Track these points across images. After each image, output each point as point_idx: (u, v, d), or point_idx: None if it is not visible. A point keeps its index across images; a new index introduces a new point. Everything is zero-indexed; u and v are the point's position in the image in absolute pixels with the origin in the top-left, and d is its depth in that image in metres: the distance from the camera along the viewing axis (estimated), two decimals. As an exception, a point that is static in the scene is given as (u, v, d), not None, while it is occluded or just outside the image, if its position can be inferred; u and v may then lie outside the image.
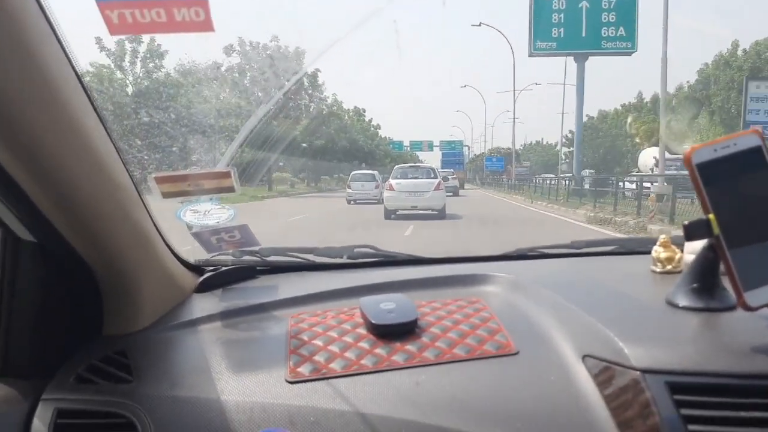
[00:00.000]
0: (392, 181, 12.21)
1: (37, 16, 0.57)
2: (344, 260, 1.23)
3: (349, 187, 18.09)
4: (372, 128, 43.87)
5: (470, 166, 59.61)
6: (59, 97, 0.61)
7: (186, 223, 0.87)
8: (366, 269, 1.19)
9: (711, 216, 0.65)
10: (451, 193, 20.46)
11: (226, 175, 0.85)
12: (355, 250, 1.25)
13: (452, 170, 39.78)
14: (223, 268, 1.08)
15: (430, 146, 60.72)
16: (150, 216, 0.83)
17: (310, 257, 1.22)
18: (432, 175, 12.45)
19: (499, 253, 1.26)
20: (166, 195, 0.82)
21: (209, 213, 0.93)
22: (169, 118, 15.33)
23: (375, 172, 18.24)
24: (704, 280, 0.74)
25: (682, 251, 0.96)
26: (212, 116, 15.21)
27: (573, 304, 0.79)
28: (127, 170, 0.75)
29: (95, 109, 0.67)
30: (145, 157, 13.56)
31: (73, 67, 0.63)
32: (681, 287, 0.76)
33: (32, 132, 0.59)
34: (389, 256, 1.25)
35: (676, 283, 0.77)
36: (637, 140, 20.37)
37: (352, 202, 17.24)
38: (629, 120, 22.52)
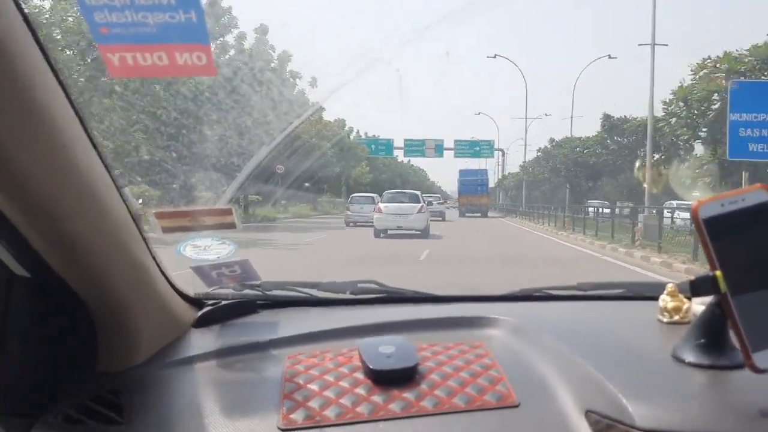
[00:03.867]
0: (381, 205, 15.53)
1: (34, 54, 0.60)
2: (347, 296, 1.25)
3: (348, 209, 20.67)
4: (348, 130, 40.65)
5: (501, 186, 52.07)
6: (55, 134, 0.64)
7: (186, 257, 0.91)
8: (369, 306, 1.22)
9: (718, 273, 0.66)
10: (440, 218, 25.06)
11: (228, 212, 0.89)
12: (359, 285, 1.27)
13: (439, 196, 41.47)
14: (223, 302, 1.10)
15: (439, 149, 49.92)
16: (149, 249, 0.87)
17: (313, 292, 1.24)
18: (416, 200, 15.66)
19: (504, 293, 1.29)
20: (166, 230, 0.86)
21: (209, 248, 0.96)
22: (170, 156, 15.49)
23: (375, 195, 20.31)
24: (712, 336, 0.75)
25: (690, 300, 1.00)
26: (215, 155, 15.47)
27: (577, 354, 0.82)
28: (125, 204, 0.79)
29: (93, 145, 0.71)
30: (146, 193, 13.84)
31: (70, 102, 0.66)
32: (688, 342, 0.77)
33: (25, 169, 0.61)
34: (393, 292, 1.28)
35: (683, 336, 0.79)
36: (645, 186, 20.10)
37: (351, 224, 19.46)
38: (637, 165, 22.74)
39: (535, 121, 65.40)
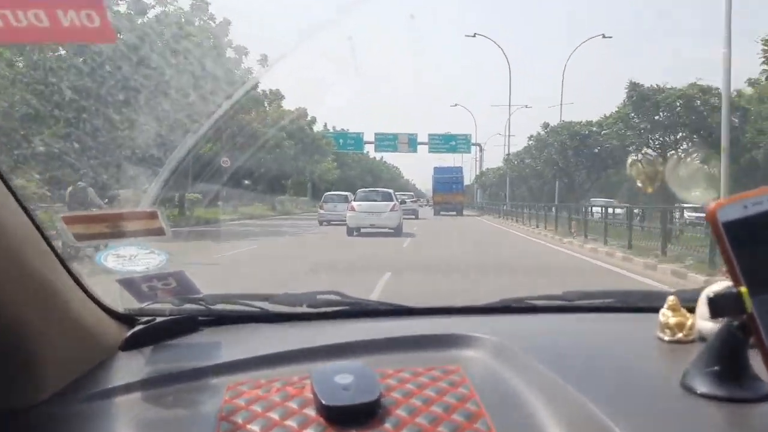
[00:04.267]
0: (354, 203, 16.30)
1: None
2: (304, 310, 1.15)
3: (322, 208, 21.23)
4: (308, 121, 37.39)
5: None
6: None
7: (108, 269, 0.85)
8: (330, 321, 1.13)
9: (743, 289, 0.59)
10: (413, 216, 25.45)
11: (153, 215, 0.82)
12: (318, 297, 1.18)
13: (412, 194, 41.52)
14: (159, 320, 1.00)
15: (413, 143, 48.54)
16: (60, 260, 0.78)
17: (265, 306, 1.14)
18: (389, 198, 16.49)
19: (482, 304, 1.22)
20: (80, 238, 0.79)
21: (136, 258, 0.88)
22: (72, 147, 13.47)
23: (348, 194, 21.13)
24: (729, 363, 0.67)
25: (693, 314, 0.94)
26: (129, 145, 13.68)
27: (568, 382, 0.75)
28: (25, 211, 0.70)
29: None
30: (47, 193, 11.95)
31: None
32: (700, 368, 0.70)
33: None
34: (358, 304, 1.19)
35: (693, 362, 0.72)
36: (639, 184, 17.51)
37: (324, 223, 20.18)
38: (629, 161, 19.19)
39: (518, 113, 63.06)
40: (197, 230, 14.88)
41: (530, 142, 31.00)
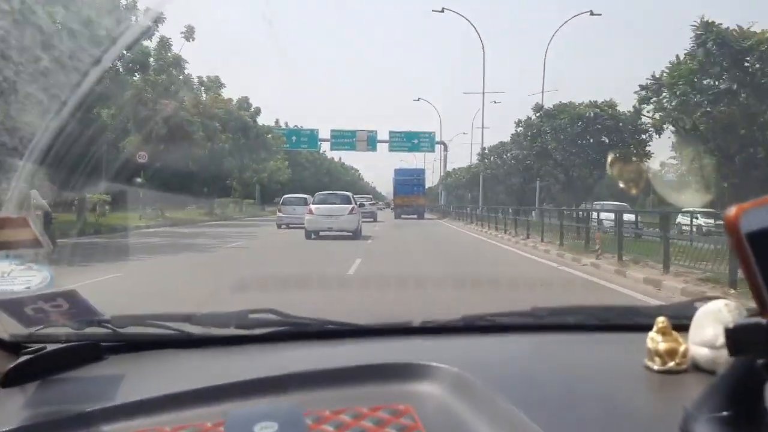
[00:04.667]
0: (312, 206, 17.48)
1: None
2: (232, 332, 1.09)
3: (280, 211, 22.82)
4: (246, 110, 35.66)
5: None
6: None
7: None
8: (263, 345, 1.08)
9: None
10: (371, 219, 27.20)
11: (21, 223, 0.76)
12: (251, 316, 1.11)
13: (370, 197, 43.35)
14: (50, 347, 0.94)
15: (372, 141, 48.82)
16: None
17: (186, 327, 1.08)
18: (347, 201, 17.78)
19: (442, 322, 1.17)
20: None
21: (11, 276, 0.84)
22: None
23: (307, 197, 22.23)
24: (746, 409, 0.59)
25: (686, 341, 0.89)
26: None
27: (540, 423, 0.70)
28: None
29: None
30: None
31: None
32: (705, 411, 0.60)
33: None
34: (298, 324, 1.13)
35: (696, 402, 0.62)
36: (621, 185, 17.27)
37: (283, 227, 21.69)
38: (609, 159, 17.78)
39: (488, 111, 61.89)
40: (85, 242, 13.27)
41: (518, 129, 23.84)
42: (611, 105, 18.94)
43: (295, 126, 51.62)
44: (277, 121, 54.90)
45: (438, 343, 1.09)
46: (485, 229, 22.33)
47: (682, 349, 0.86)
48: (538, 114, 21.42)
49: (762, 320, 0.52)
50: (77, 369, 0.93)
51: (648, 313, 1.02)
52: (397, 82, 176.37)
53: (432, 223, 31.66)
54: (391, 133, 49.05)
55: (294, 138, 47.73)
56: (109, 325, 1.03)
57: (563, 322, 1.20)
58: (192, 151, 24.88)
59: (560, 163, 20.75)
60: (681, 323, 0.90)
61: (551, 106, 21.14)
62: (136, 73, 19.35)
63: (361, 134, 48.15)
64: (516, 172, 30.12)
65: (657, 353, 0.86)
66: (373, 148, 48.80)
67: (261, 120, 38.79)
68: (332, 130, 48.52)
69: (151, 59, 20.53)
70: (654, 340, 0.88)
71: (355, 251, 12.21)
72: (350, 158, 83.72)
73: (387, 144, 48.73)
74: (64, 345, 0.95)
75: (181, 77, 23.12)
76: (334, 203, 17.59)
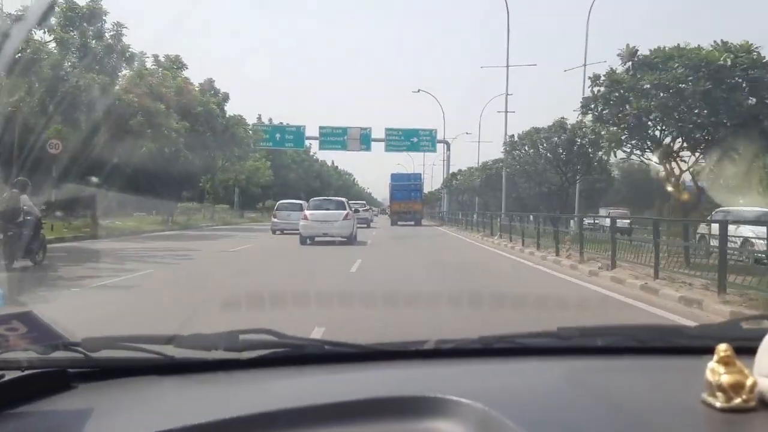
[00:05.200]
0: (307, 212, 19.94)
1: None
2: (222, 356, 1.08)
3: (275, 217, 26.52)
4: (213, 97, 33.23)
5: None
6: None
7: None
8: (256, 372, 1.06)
9: None
10: (365, 225, 29.85)
11: None
12: (242, 338, 1.10)
13: (364, 203, 46.60)
14: (7, 377, 0.92)
15: (366, 139, 49.07)
16: None
17: (168, 351, 1.06)
18: (342, 207, 20.22)
19: (457, 343, 1.15)
20: None
21: None
22: None
23: (303, 202, 25.93)
24: None
25: (751, 372, 0.87)
26: None
27: None
28: None
29: None
30: None
31: None
32: None
33: None
34: (294, 345, 1.12)
35: None
36: (669, 189, 14.30)
37: (278, 232, 25.30)
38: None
39: (491, 114, 61.71)
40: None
41: (596, 90, 14.23)
42: (747, 49, 12.49)
43: (281, 123, 51.47)
44: (259, 117, 54.63)
45: (455, 369, 1.07)
46: (512, 245, 19.24)
47: (749, 383, 0.83)
48: (627, 65, 13.57)
49: None
50: (41, 400, 0.90)
51: (690, 334, 1.00)
52: (395, 73, 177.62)
53: (433, 231, 31.58)
54: (387, 130, 49.08)
55: (278, 135, 47.67)
56: (79, 349, 1.00)
57: (593, 344, 1.18)
58: (134, 143, 23.00)
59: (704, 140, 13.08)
60: (748, 352, 0.88)
61: (646, 53, 13.50)
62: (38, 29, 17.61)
63: (353, 131, 48.03)
64: (555, 166, 23.57)
65: (720, 387, 0.83)
66: (367, 147, 48.62)
67: (252, 118, 39.93)
68: (321, 127, 48.49)
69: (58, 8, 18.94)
70: (715, 371, 0.85)
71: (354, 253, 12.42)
72: (343, 159, 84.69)
73: (383, 143, 48.67)
74: (25, 373, 0.93)
75: (112, 42, 20.67)
76: (329, 209, 20.01)
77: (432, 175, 73.70)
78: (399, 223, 40.13)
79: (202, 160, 31.49)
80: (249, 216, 50.66)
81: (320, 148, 51.55)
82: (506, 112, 31.32)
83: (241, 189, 48.66)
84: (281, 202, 27.96)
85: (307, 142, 51.17)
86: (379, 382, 0.93)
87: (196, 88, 31.04)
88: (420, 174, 50.89)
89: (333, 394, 0.88)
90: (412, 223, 40.50)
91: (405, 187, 43.10)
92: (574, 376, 1.05)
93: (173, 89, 26.59)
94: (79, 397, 0.93)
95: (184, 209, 35.69)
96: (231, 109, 35.63)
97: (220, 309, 6.16)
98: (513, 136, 27.96)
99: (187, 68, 30.93)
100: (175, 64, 30.16)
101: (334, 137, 48.38)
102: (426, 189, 56.73)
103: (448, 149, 54.56)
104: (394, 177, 45.66)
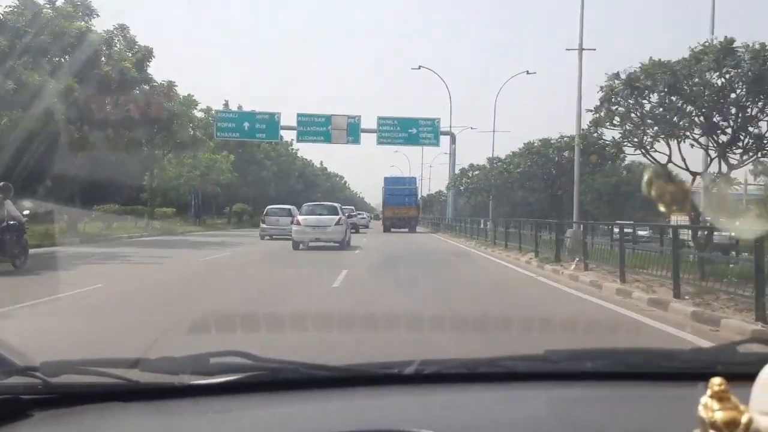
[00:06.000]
0: (299, 217, 24.09)
1: None
2: (190, 380, 1.14)
3: (264, 222, 32.03)
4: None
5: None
6: None
7: None
8: (226, 397, 1.12)
9: None
10: (353, 230, 32.44)
11: None
12: (213, 361, 1.18)
13: (352, 208, 52.24)
14: None
15: (354, 130, 48.63)
16: None
17: (133, 375, 1.12)
18: (335, 212, 24.41)
19: (439, 366, 1.24)
20: None
21: None
22: None
23: (292, 207, 32.37)
24: None
25: (746, 406, 0.94)
26: None
27: None
28: None
29: None
30: None
31: None
32: None
33: None
34: (268, 369, 1.20)
35: None
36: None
37: (267, 238, 30.71)
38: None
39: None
40: None
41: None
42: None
43: (253, 110, 49.56)
44: (226, 104, 53.60)
45: (437, 398, 1.14)
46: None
47: (744, 419, 0.90)
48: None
49: None
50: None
51: (683, 359, 1.10)
52: (391, 52, 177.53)
53: (433, 240, 32.15)
54: (380, 119, 48.69)
55: (246, 124, 46.81)
56: (37, 374, 1.06)
57: (583, 368, 1.28)
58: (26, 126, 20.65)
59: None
60: (723, 372, 0.95)
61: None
62: None
63: (338, 120, 47.55)
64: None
65: (714, 425, 0.90)
66: (356, 140, 48.28)
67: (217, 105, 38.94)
68: (300, 115, 47.87)
69: None
70: (709, 406, 0.92)
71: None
72: (333, 160, 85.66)
73: (375, 135, 48.24)
74: None
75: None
76: (322, 214, 24.11)
77: (429, 178, 76.22)
78: (392, 230, 45.27)
79: (128, 148, 28.98)
80: (214, 222, 50.28)
81: (299, 140, 50.80)
82: (494, 131, 34.39)
83: (196, 196, 47.97)
84: (269, 207, 33.41)
85: (286, 136, 51.64)
86: (356, 412, 0.99)
87: (102, 34, 26.65)
88: (415, 178, 56.25)
89: (306, 427, 0.94)
90: (406, 230, 45.56)
91: (399, 192, 48.64)
92: (560, 407, 1.14)
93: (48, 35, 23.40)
94: (35, 426, 0.97)
95: (106, 215, 33.05)
96: (185, 90, 34.23)
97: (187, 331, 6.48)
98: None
99: (97, 16, 27.02)
100: (78, 10, 26.04)
101: (315, 126, 47.86)
102: (427, 190, 59.00)
103: (454, 142, 53.81)
104: (388, 181, 51.13)
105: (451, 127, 52.33)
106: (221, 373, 1.15)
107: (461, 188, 50.38)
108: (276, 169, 59.76)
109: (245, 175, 51.89)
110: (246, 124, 46.86)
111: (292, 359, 1.24)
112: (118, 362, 1.15)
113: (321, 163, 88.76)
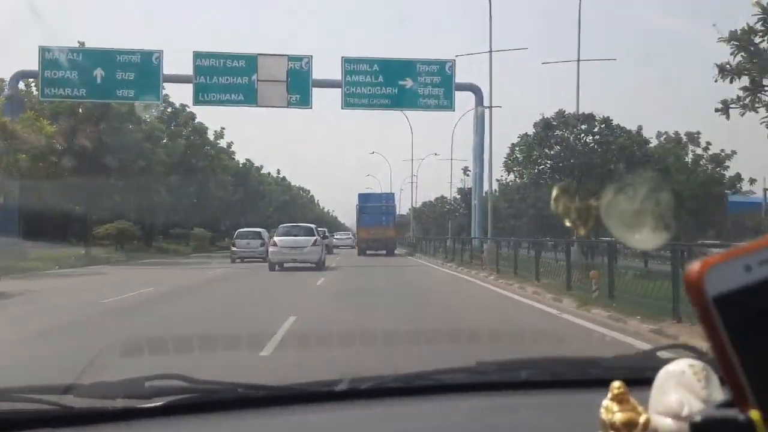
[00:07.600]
0: (276, 239, 37.88)
1: None
2: (125, 404, 1.45)
3: (234, 245, 48.09)
4: None
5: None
6: None
7: None
8: (162, 420, 1.43)
9: (754, 415, 0.71)
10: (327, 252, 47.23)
11: None
12: (149, 384, 1.51)
13: (325, 230, 61.94)
14: None
15: (301, 82, 39.35)
16: None
17: (67, 401, 1.42)
18: (310, 233, 37.96)
19: (372, 381, 1.62)
20: None
21: None
22: None
23: (262, 230, 50.50)
24: None
25: (646, 409, 1.28)
26: None
27: None
28: None
29: None
30: None
31: None
32: None
33: None
34: (204, 390, 1.52)
35: None
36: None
37: (238, 260, 46.23)
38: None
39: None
40: None
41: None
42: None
43: (112, 49, 40.40)
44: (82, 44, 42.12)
45: (369, 413, 1.54)
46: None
47: (642, 420, 1.26)
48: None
49: (737, 414, 0.69)
50: None
51: (605, 365, 1.49)
52: None
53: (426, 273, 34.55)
54: (347, 62, 41.39)
55: (100, 73, 38.82)
56: None
57: (511, 378, 1.74)
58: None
59: None
60: (645, 377, 1.32)
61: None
62: None
63: (270, 64, 39.52)
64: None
65: (613, 426, 1.26)
66: (305, 100, 40.64)
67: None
68: (197, 55, 40.65)
69: None
70: (609, 408, 1.28)
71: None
72: (297, 173, 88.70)
73: (340, 91, 40.81)
74: None
75: None
76: (297, 235, 36.27)
77: (413, 190, 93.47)
78: (368, 252, 56.93)
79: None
80: (168, 247, 53.06)
81: (195, 102, 43.35)
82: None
83: (139, 214, 51.00)
84: (240, 230, 49.55)
85: (175, 95, 50.66)
86: (288, 430, 1.31)
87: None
88: (393, 194, 69.27)
89: None
90: (384, 252, 57.05)
91: (375, 210, 59.24)
92: (485, 417, 1.56)
93: None
94: None
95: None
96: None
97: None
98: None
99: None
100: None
101: (227, 77, 39.84)
102: (430, 193, 69.75)
103: (481, 103, 44.09)
104: (362, 198, 63.09)
105: (479, 77, 43.65)
106: (157, 396, 1.44)
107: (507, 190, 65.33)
108: (167, 152, 53.43)
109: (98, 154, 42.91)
110: (99, 73, 39.00)
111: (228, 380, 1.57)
112: (51, 389, 1.42)
113: (278, 171, 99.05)
